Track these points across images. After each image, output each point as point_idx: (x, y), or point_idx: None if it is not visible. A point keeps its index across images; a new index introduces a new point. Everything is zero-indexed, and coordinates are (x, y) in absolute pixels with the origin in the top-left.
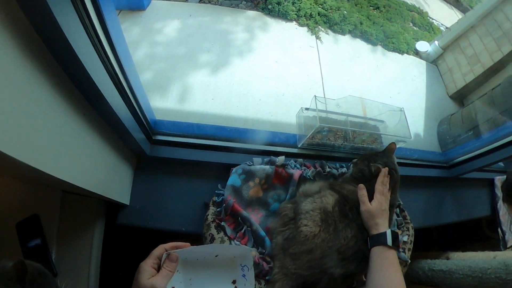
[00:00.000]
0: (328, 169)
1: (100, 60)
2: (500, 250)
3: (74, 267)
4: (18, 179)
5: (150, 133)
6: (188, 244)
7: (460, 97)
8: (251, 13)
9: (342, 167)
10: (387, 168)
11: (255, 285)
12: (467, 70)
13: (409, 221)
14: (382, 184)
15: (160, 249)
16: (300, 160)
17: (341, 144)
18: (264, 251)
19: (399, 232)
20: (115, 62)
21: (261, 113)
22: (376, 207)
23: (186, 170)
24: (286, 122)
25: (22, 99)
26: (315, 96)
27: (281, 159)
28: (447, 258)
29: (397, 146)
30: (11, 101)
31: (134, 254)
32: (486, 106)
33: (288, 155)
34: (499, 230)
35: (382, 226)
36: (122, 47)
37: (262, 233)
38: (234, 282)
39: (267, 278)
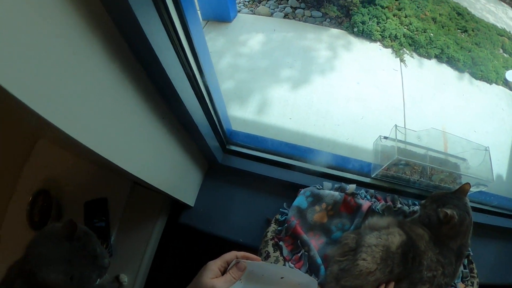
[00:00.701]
0: (399, 205)
1: (183, 68)
2: None
3: (129, 254)
4: (94, 162)
5: (225, 142)
6: (260, 258)
7: None
8: (335, 31)
9: (415, 204)
10: None
11: None
12: None
13: (476, 275)
14: None
15: (231, 254)
16: (371, 191)
17: (417, 180)
18: (317, 279)
19: (463, 286)
20: (197, 70)
21: (337, 135)
22: None
23: (254, 183)
24: (362, 148)
25: (108, 99)
26: (395, 125)
27: (352, 187)
28: None
29: (477, 190)
30: (100, 100)
31: (188, 255)
32: None
33: (359, 183)
34: None
35: None
36: (204, 56)
37: (319, 260)
38: None
39: None
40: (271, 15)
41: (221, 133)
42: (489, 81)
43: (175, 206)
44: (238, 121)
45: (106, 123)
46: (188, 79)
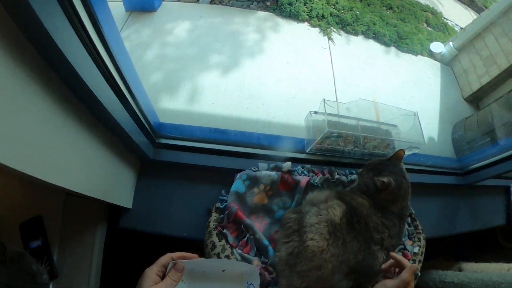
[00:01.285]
0: (337, 176)
1: (94, 63)
2: None
3: (75, 269)
4: (22, 180)
5: (154, 137)
6: (196, 256)
7: (476, 100)
8: (262, 14)
9: (352, 173)
10: (416, 267)
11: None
12: (483, 72)
13: (421, 231)
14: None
15: (167, 258)
16: (308, 166)
17: (351, 150)
18: (266, 260)
19: (410, 243)
20: (111, 65)
21: (271, 115)
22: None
23: (190, 174)
24: (297, 125)
25: (14, 106)
26: (324, 99)
27: (287, 165)
28: (459, 269)
29: (410, 152)
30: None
31: (135, 259)
32: (502, 110)
33: (295, 160)
34: None
35: None
36: (120, 51)
37: (266, 242)
38: None
39: None
40: (197, 1)
41: (148, 127)
42: (414, 53)
43: (113, 211)
44: (170, 112)
45: (14, 134)
46: (104, 77)
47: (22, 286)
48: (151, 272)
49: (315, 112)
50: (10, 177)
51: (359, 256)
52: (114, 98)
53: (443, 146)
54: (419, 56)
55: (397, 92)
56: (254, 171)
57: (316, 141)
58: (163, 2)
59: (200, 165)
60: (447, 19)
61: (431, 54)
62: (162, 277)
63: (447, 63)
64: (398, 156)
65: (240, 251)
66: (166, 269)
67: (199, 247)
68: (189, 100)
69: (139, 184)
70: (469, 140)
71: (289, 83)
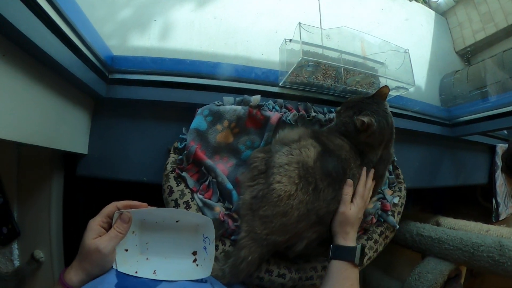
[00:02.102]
0: (313, 114)
1: None
2: (492, 221)
3: (36, 226)
4: None
5: (105, 72)
6: (145, 204)
7: (467, 54)
8: None
9: (331, 112)
10: (373, 170)
11: (217, 246)
12: (479, 28)
13: (402, 181)
14: (364, 186)
15: (111, 207)
16: (280, 101)
17: (331, 85)
18: (231, 206)
19: (390, 192)
20: None
21: (251, 52)
22: (353, 213)
23: (148, 112)
24: (277, 62)
25: None
26: (299, 23)
27: (256, 98)
28: (437, 223)
29: (398, 93)
30: None
31: (98, 207)
32: (495, 68)
33: (266, 94)
34: (493, 200)
35: (351, 237)
36: None
37: (229, 185)
38: (194, 253)
39: (232, 237)
40: None
41: (96, 62)
42: None
43: (68, 158)
44: (141, 50)
45: None
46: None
47: None
48: (94, 224)
49: (290, 40)
50: None
51: (332, 206)
52: (44, 31)
53: (429, 95)
54: (414, 1)
55: (385, 36)
56: (217, 105)
57: (290, 71)
58: None
59: (158, 101)
60: None
61: (426, 1)
62: (108, 228)
63: (442, 13)
64: (381, 93)
65: (201, 196)
66: (112, 219)
67: (160, 191)
68: (160, 36)
69: (93, 126)
70: (457, 94)
71: (270, 17)
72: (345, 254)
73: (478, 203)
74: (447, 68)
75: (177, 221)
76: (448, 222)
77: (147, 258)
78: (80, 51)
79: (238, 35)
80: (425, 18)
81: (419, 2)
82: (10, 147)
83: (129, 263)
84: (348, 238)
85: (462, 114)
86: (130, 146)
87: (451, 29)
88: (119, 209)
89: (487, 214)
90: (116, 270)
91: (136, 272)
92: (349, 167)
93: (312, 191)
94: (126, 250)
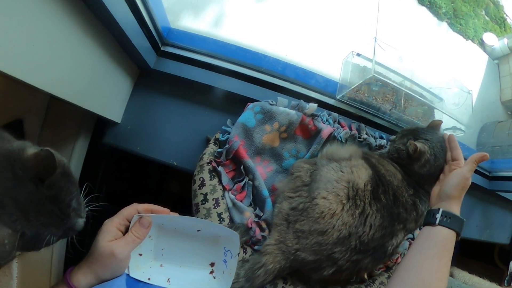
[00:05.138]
0: (365, 135)
1: None
2: (503, 285)
3: None
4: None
5: (159, 43)
6: (167, 210)
7: None
8: None
9: (382, 138)
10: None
11: (239, 252)
12: None
13: None
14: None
15: (131, 209)
16: (335, 115)
17: (389, 110)
18: (261, 214)
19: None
20: None
21: (302, 55)
22: (468, 176)
23: (194, 93)
24: (326, 73)
25: None
26: (375, 38)
27: (312, 106)
28: (451, 275)
29: (453, 133)
30: None
31: (118, 181)
32: None
33: (321, 105)
34: (510, 264)
35: (459, 208)
36: None
37: (265, 192)
38: (212, 265)
39: (256, 247)
40: None
41: (153, 30)
42: (466, 36)
43: (98, 123)
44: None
45: None
46: None
47: (43, 221)
48: (111, 225)
49: (358, 54)
50: None
51: (377, 234)
52: None
53: (465, 141)
54: (469, 41)
55: (435, 69)
56: (271, 104)
57: (354, 86)
58: None
59: (207, 85)
60: (507, 16)
61: (482, 44)
62: (125, 231)
63: (495, 59)
64: (435, 125)
65: (233, 197)
66: (130, 222)
67: (189, 180)
68: (214, 23)
69: (133, 97)
70: (496, 145)
71: (327, 24)
72: (457, 224)
73: (492, 263)
74: (489, 117)
75: (198, 230)
76: (463, 275)
77: (161, 265)
78: (140, 14)
79: (292, 36)
80: (477, 61)
81: (474, 43)
82: (42, 97)
83: (142, 269)
84: (458, 208)
85: (505, 168)
86: (166, 125)
87: (501, 77)
88: (139, 212)
89: (499, 276)
90: (128, 275)
91: (148, 279)
92: (400, 195)
93: (359, 215)
94: (140, 255)
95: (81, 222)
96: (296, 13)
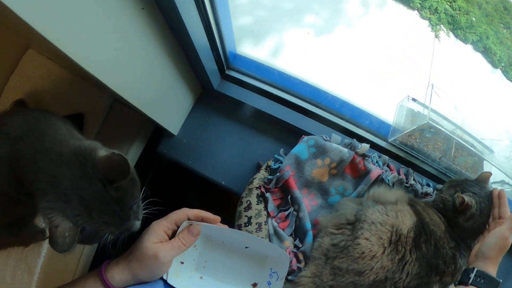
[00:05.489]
0: (412, 181)
1: None
2: None
3: None
4: (75, 73)
5: (224, 66)
6: (218, 218)
7: None
8: None
9: (429, 185)
10: None
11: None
12: None
13: None
14: None
15: (181, 214)
16: (385, 157)
17: (438, 158)
18: (301, 246)
19: None
20: None
21: (352, 94)
22: (507, 235)
23: (250, 118)
24: (380, 114)
25: None
26: (432, 85)
27: (364, 147)
28: None
29: (501, 187)
30: None
31: (163, 188)
32: None
33: (373, 146)
34: None
35: (495, 270)
36: None
37: (308, 225)
38: (254, 285)
39: (289, 277)
40: None
41: (221, 53)
42: None
43: (156, 131)
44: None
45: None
46: None
47: (104, 220)
48: (158, 227)
49: (413, 99)
50: (64, 68)
51: (413, 282)
52: (194, 11)
53: None
54: None
55: (489, 120)
56: (324, 139)
57: (407, 131)
58: None
59: (264, 112)
60: None
61: None
62: (171, 235)
63: None
64: (483, 178)
65: (276, 224)
66: (178, 227)
67: (233, 201)
68: (272, 52)
69: (192, 113)
70: None
71: (380, 66)
72: (491, 285)
73: None
74: None
75: (246, 247)
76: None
77: (201, 277)
78: (214, 38)
79: (344, 74)
80: None
81: None
82: (106, 98)
83: (181, 278)
84: (495, 269)
85: None
86: (219, 144)
87: None
88: (189, 219)
89: None
90: (165, 281)
91: None
92: (442, 246)
93: (398, 260)
94: (182, 263)
95: (138, 224)
96: (353, 51)
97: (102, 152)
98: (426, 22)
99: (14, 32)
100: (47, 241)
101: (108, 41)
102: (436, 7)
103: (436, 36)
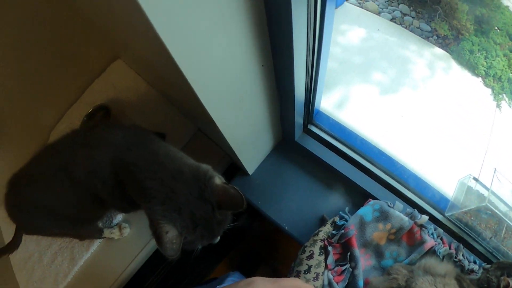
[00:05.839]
0: (461, 257)
1: (307, 28)
2: None
3: None
4: (167, 97)
5: (307, 121)
6: None
7: None
8: (439, 51)
9: (475, 263)
10: None
11: None
12: None
13: None
14: None
15: (294, 283)
16: (440, 230)
17: (488, 238)
18: None
19: None
20: (318, 37)
21: (412, 159)
22: None
23: (321, 173)
24: (437, 187)
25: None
26: (495, 169)
27: (424, 218)
28: None
29: None
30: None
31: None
32: None
33: (430, 217)
34: None
35: None
36: (328, 28)
37: (361, 283)
38: None
39: None
40: (378, 13)
41: (310, 109)
42: None
43: (231, 167)
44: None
45: (203, 46)
46: (307, 40)
47: (201, 233)
48: (263, 284)
49: (475, 179)
50: (153, 87)
51: None
52: (303, 66)
53: None
54: None
55: None
56: (389, 206)
57: (466, 209)
58: (345, 3)
59: (336, 170)
60: None
61: None
62: None
63: None
64: None
65: (331, 276)
66: None
67: (291, 246)
68: (337, 104)
69: (269, 157)
70: None
71: (441, 131)
72: None
73: None
74: None
75: None
76: None
77: None
78: (309, 93)
79: (404, 136)
80: None
81: None
82: (191, 126)
83: None
84: None
85: None
86: (289, 191)
87: None
88: None
89: None
90: None
91: None
92: None
93: None
94: None
95: (218, 239)
96: (415, 114)
97: (218, 180)
98: (489, 90)
99: (106, 41)
100: (99, 240)
101: (233, 90)
102: (500, 76)
103: (498, 105)
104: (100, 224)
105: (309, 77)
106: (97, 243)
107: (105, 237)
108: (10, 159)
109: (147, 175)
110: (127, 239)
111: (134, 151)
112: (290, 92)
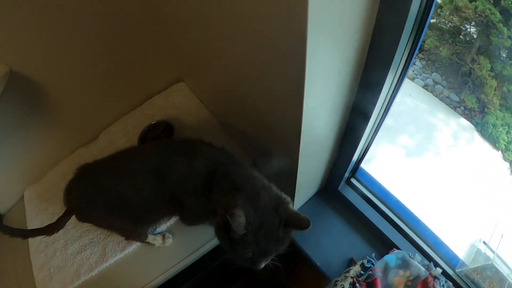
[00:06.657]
0: None
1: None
2: None
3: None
4: (229, 130)
5: (350, 174)
6: None
7: None
8: (464, 122)
9: None
10: None
11: None
12: None
13: None
14: None
15: None
16: (450, 284)
17: None
18: None
19: None
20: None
21: (431, 219)
22: None
23: (355, 221)
24: (451, 246)
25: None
26: (502, 235)
27: (437, 271)
28: None
29: None
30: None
31: None
32: None
33: (443, 271)
34: None
35: None
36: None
37: None
38: None
39: None
40: (412, 79)
41: (357, 166)
42: None
43: None
44: None
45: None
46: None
47: (261, 250)
48: None
49: (485, 243)
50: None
51: None
52: (370, 127)
53: None
54: None
55: None
56: (410, 256)
57: (473, 267)
58: None
59: (369, 221)
60: None
61: None
62: None
63: None
64: None
65: None
66: None
67: (317, 280)
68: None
69: (311, 199)
70: None
71: (457, 197)
72: None
73: None
74: None
75: None
76: None
77: None
78: (361, 155)
79: (422, 199)
80: None
81: None
82: (246, 158)
83: None
84: None
85: None
86: (324, 232)
87: None
88: None
89: None
90: None
91: None
92: None
93: None
94: None
95: (261, 266)
96: (436, 178)
97: (291, 206)
98: (507, 164)
99: (175, 62)
100: (136, 243)
101: (316, 139)
102: None
103: None
104: (148, 230)
105: (368, 141)
106: (134, 246)
107: (147, 242)
108: (59, 141)
109: (243, 179)
110: (165, 249)
111: (230, 166)
112: (350, 154)
